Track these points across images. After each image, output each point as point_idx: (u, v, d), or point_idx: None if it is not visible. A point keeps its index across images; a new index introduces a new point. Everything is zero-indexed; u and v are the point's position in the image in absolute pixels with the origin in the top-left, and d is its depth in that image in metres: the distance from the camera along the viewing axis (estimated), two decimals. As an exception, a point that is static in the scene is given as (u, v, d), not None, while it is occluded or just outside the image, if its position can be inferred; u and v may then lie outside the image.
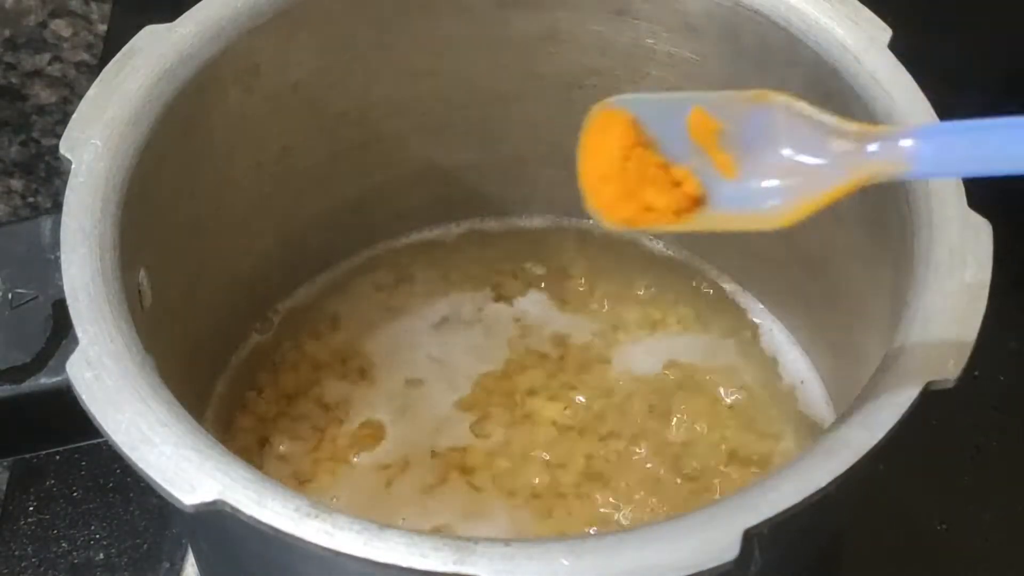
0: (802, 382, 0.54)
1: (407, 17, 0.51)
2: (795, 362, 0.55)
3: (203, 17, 0.47)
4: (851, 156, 0.35)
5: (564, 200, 0.58)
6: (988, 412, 0.60)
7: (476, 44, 0.52)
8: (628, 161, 0.37)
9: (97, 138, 0.43)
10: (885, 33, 0.46)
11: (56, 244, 0.41)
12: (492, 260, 0.58)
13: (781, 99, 0.36)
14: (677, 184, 0.37)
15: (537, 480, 0.52)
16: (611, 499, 0.51)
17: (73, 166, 0.42)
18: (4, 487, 0.60)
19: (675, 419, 0.53)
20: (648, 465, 0.52)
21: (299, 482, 0.51)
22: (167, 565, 0.56)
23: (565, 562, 0.35)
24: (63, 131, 0.43)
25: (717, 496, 0.51)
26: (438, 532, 0.49)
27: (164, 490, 0.36)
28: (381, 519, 0.36)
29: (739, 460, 0.52)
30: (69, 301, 0.40)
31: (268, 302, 0.56)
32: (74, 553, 0.56)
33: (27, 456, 0.58)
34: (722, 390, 0.54)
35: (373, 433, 0.53)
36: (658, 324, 0.56)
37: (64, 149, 0.43)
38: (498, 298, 0.57)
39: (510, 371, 0.55)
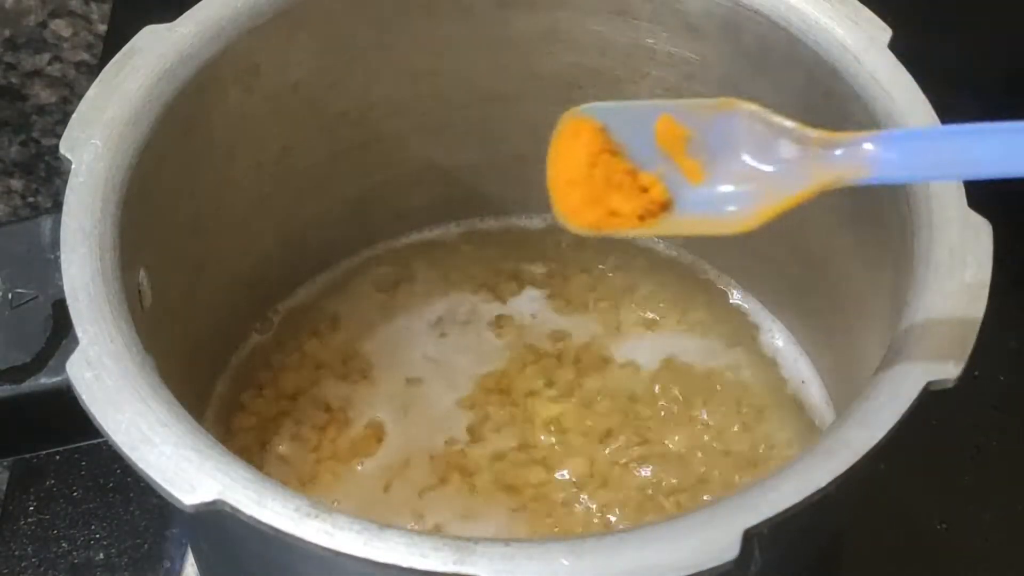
0: (802, 382, 0.54)
1: (407, 17, 0.51)
2: (795, 362, 0.55)
3: (203, 17, 0.47)
4: (813, 162, 0.36)
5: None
6: (988, 412, 0.60)
7: (476, 44, 0.52)
8: (595, 167, 0.38)
9: (97, 138, 0.43)
10: (885, 33, 0.46)
11: (56, 244, 0.41)
12: (492, 260, 0.58)
13: (746, 107, 0.37)
14: (644, 190, 0.37)
15: (537, 481, 0.52)
16: (611, 499, 0.51)
17: (73, 166, 0.42)
18: (4, 487, 0.60)
19: (675, 419, 0.53)
20: (648, 465, 0.52)
21: (299, 482, 0.51)
22: (167, 565, 0.56)
23: (565, 562, 0.35)
24: (63, 131, 0.43)
25: (717, 496, 0.51)
26: (438, 532, 0.49)
27: (164, 490, 0.36)
28: (381, 519, 0.36)
29: (739, 460, 0.52)
30: (69, 301, 0.40)
31: (268, 302, 0.56)
32: (74, 553, 0.56)
33: (27, 456, 0.58)
34: (722, 390, 0.54)
35: (373, 433, 0.53)
36: (658, 324, 0.56)
37: (64, 149, 0.43)
38: (498, 298, 0.57)
39: (510, 371, 0.55)
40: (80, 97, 0.44)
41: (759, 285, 0.56)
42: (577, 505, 0.51)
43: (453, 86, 0.54)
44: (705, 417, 0.53)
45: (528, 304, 0.57)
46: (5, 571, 0.56)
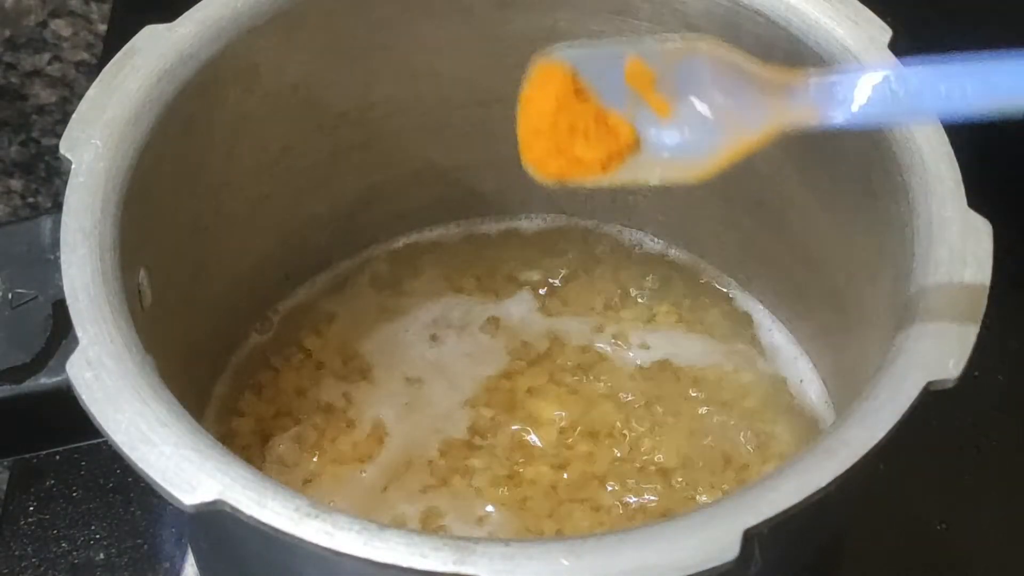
0: (802, 382, 0.54)
1: (407, 17, 0.51)
2: (795, 362, 0.55)
3: (203, 17, 0.47)
4: (772, 102, 0.36)
5: (564, 201, 0.58)
6: (988, 412, 0.60)
7: (476, 44, 0.52)
8: (560, 114, 0.38)
9: (97, 138, 0.43)
10: (885, 33, 0.46)
11: (56, 244, 0.41)
12: (491, 260, 0.58)
13: (711, 46, 0.38)
14: (612, 131, 0.38)
15: (538, 481, 0.52)
16: (612, 499, 0.51)
17: (73, 166, 0.42)
18: (4, 487, 0.60)
19: (675, 419, 0.53)
20: (649, 465, 0.52)
21: (299, 482, 0.51)
22: (167, 565, 0.56)
23: (565, 562, 0.35)
24: (63, 131, 0.43)
25: (717, 496, 0.51)
26: (438, 533, 0.49)
27: (164, 490, 0.36)
28: (381, 519, 0.36)
29: (739, 460, 0.52)
30: (69, 301, 0.40)
31: (268, 302, 0.56)
32: (74, 553, 0.56)
33: (27, 456, 0.58)
34: (722, 390, 0.54)
35: (373, 433, 0.53)
36: (658, 324, 0.56)
37: (64, 149, 0.43)
38: (497, 298, 0.57)
39: (510, 372, 0.55)
40: (80, 97, 0.44)
41: (759, 285, 0.56)
42: (578, 505, 0.51)
43: (453, 86, 0.54)
44: (705, 417, 0.53)
45: (528, 304, 0.57)
46: (5, 571, 0.56)
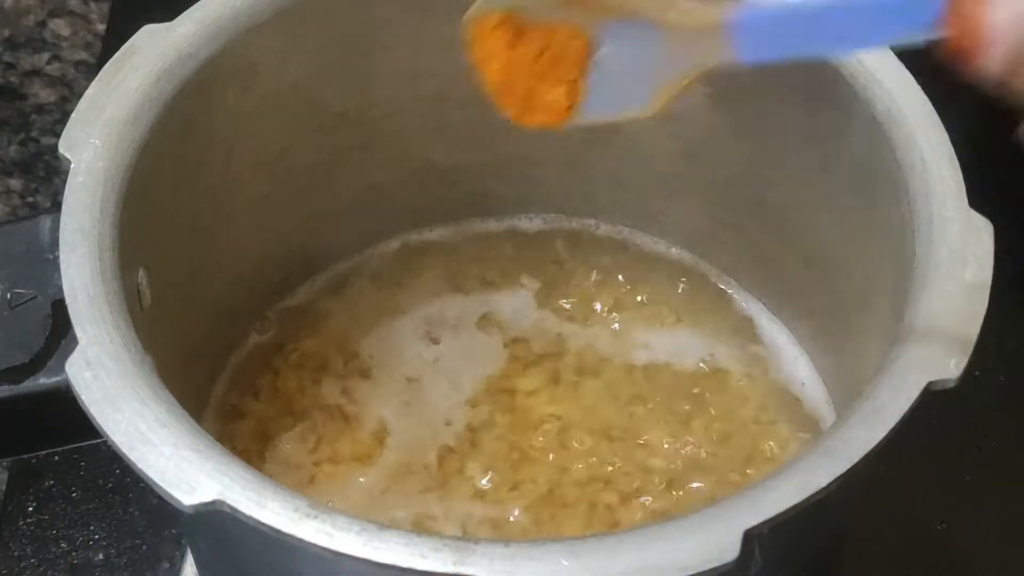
0: (802, 382, 0.54)
1: (407, 17, 0.51)
2: (795, 362, 0.55)
3: (202, 17, 0.46)
4: (687, 49, 0.37)
5: (564, 200, 0.58)
6: (988, 412, 0.60)
7: (476, 44, 0.52)
8: (513, 67, 0.40)
9: (96, 137, 0.43)
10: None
11: (55, 244, 0.41)
12: (492, 260, 0.58)
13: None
14: (563, 56, 0.40)
15: (538, 481, 0.52)
16: (612, 500, 0.51)
17: (72, 165, 0.42)
18: (3, 487, 0.60)
19: (676, 419, 0.53)
20: (649, 465, 0.52)
21: (299, 482, 0.51)
22: (167, 565, 0.56)
23: (565, 562, 0.35)
24: (62, 130, 0.43)
25: (717, 496, 0.51)
26: (437, 533, 0.48)
27: (164, 490, 0.36)
28: (380, 520, 0.36)
29: (739, 460, 0.52)
30: (68, 301, 0.40)
31: (268, 302, 0.56)
32: (74, 553, 0.56)
33: (26, 456, 0.58)
34: (722, 390, 0.54)
35: (373, 433, 0.53)
36: (658, 324, 0.56)
37: (63, 148, 0.43)
38: (497, 298, 0.57)
39: (510, 372, 0.55)
40: (79, 96, 0.44)
41: (759, 285, 0.56)
42: (578, 505, 0.51)
43: (453, 86, 0.54)
44: (705, 417, 0.53)
45: (528, 304, 0.57)
46: (5, 571, 0.56)
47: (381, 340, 0.56)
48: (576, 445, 0.53)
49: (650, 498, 0.51)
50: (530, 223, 0.59)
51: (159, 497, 0.36)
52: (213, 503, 0.36)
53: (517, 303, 0.57)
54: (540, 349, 0.55)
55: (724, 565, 0.35)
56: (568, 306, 0.57)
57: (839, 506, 0.45)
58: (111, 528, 0.57)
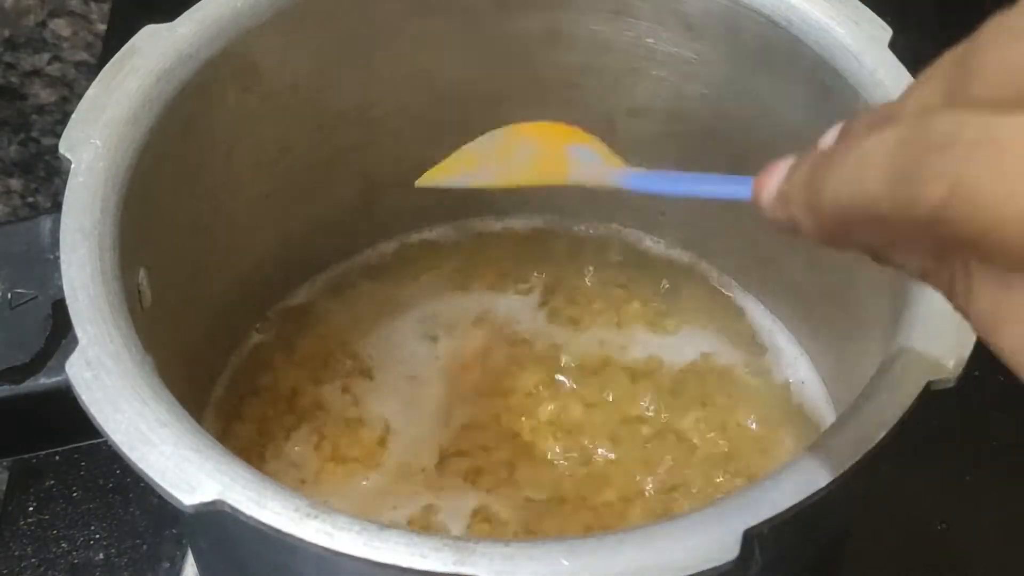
0: (802, 382, 0.54)
1: (407, 17, 0.51)
2: (795, 362, 0.55)
3: (203, 17, 0.46)
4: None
5: (564, 200, 0.58)
6: (988, 412, 0.60)
7: (476, 44, 0.52)
8: None
9: (97, 138, 0.43)
10: (885, 33, 0.46)
11: (55, 244, 0.41)
12: (491, 260, 0.58)
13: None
14: None
15: (539, 481, 0.52)
16: (613, 499, 0.51)
17: (73, 166, 0.42)
18: (4, 487, 0.60)
19: (675, 420, 0.53)
20: (648, 465, 0.52)
21: (299, 482, 0.51)
22: (167, 565, 0.56)
23: (565, 562, 0.35)
24: (62, 131, 0.43)
25: (717, 497, 0.51)
26: (438, 533, 0.48)
27: (164, 490, 0.36)
28: (381, 519, 0.36)
29: (739, 460, 0.52)
30: (68, 301, 0.40)
31: (268, 302, 0.56)
32: (74, 553, 0.56)
33: (26, 456, 0.58)
34: (722, 390, 0.54)
35: (374, 433, 0.53)
36: (658, 324, 0.56)
37: (64, 149, 0.43)
38: (497, 298, 0.57)
39: (511, 371, 0.55)
40: (80, 97, 0.44)
41: (759, 285, 0.56)
42: (579, 505, 0.51)
43: (453, 86, 0.54)
44: (705, 417, 0.53)
45: (528, 304, 0.57)
46: (5, 571, 0.56)
47: (381, 340, 0.56)
48: (575, 445, 0.53)
49: (650, 498, 0.51)
50: (529, 223, 0.59)
51: (159, 497, 0.36)
52: (213, 503, 0.36)
53: (517, 303, 0.57)
54: (540, 349, 0.55)
55: (724, 565, 0.35)
56: (567, 306, 0.57)
57: (839, 506, 0.45)
58: (112, 528, 0.57)
